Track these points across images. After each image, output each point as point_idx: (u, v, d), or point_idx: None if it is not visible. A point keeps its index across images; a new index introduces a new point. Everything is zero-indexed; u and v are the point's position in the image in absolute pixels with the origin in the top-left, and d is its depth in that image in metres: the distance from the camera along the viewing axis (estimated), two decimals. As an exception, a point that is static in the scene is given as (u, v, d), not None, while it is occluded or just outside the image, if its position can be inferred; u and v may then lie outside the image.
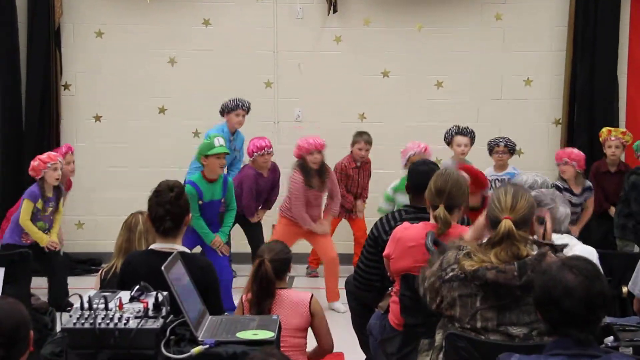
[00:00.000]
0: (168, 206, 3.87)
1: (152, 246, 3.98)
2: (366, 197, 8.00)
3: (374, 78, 8.59)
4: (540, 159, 8.24)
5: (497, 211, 3.27)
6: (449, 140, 7.60)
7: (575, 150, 7.24)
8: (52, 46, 8.39)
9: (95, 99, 8.62)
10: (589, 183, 7.27)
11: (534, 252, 3.23)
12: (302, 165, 6.95)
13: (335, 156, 8.12)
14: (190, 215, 4.02)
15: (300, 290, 4.81)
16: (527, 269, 3.15)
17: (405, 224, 4.30)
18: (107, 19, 8.53)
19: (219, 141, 6.36)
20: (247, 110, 7.73)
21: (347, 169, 7.85)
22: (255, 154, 7.17)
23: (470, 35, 8.53)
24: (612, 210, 7.49)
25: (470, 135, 7.53)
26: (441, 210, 4.06)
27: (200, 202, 6.35)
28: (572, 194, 7.11)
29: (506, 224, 3.21)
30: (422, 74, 8.57)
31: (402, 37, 8.55)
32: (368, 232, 4.84)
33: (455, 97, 8.58)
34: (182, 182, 4.90)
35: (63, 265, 6.92)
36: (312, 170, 6.93)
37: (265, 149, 7.16)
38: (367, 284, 4.75)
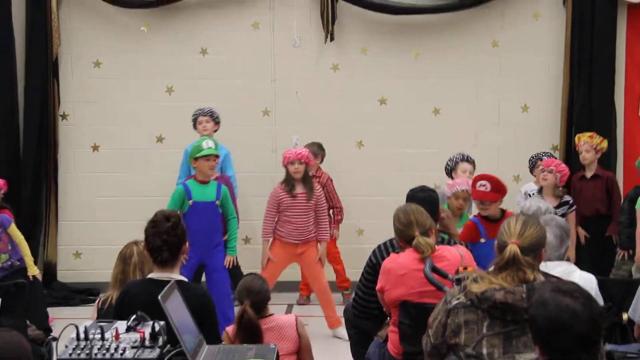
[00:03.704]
0: (165, 236, 3.88)
1: (150, 275, 3.99)
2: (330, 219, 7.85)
3: (371, 105, 8.61)
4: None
5: (505, 236, 3.32)
6: (452, 168, 7.33)
7: (564, 165, 7.19)
8: (50, 76, 8.41)
9: (93, 129, 8.63)
10: (568, 198, 7.12)
11: (540, 278, 3.24)
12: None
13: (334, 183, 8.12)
14: (187, 244, 4.01)
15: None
16: (536, 292, 3.14)
17: (392, 255, 4.39)
18: (104, 49, 8.56)
19: (208, 144, 6.51)
20: (209, 114, 7.82)
21: None
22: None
23: (466, 62, 8.56)
24: (581, 233, 7.49)
25: (473, 163, 7.33)
26: (419, 239, 4.22)
27: (191, 201, 6.41)
28: None
29: (512, 248, 3.23)
30: (419, 101, 8.59)
31: (399, 65, 8.58)
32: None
33: (453, 123, 8.59)
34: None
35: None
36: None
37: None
38: (366, 312, 4.74)
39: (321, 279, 7.09)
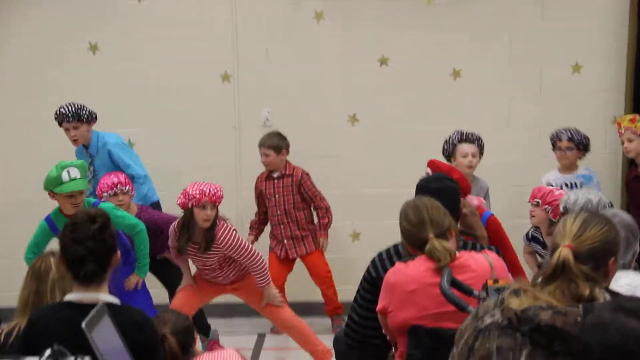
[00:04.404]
0: (90, 243, 3.87)
1: (67, 297, 3.99)
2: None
3: (368, 67, 8.63)
4: (596, 171, 8.24)
5: (559, 237, 3.31)
6: (450, 152, 7.45)
7: (558, 192, 6.81)
8: None
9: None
10: None
11: (606, 298, 3.21)
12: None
13: (316, 171, 8.15)
14: (119, 253, 4.03)
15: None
16: (595, 313, 3.14)
17: (398, 265, 4.40)
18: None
19: (70, 173, 6.25)
20: (76, 117, 7.70)
21: (257, 182, 8.19)
22: (104, 194, 7.09)
23: (497, 8, 8.59)
24: None
25: (478, 142, 7.45)
26: (435, 242, 4.25)
27: None
28: (544, 247, 6.88)
29: (562, 252, 3.21)
30: (433, 61, 8.62)
31: (406, 12, 8.59)
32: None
33: (479, 91, 8.64)
34: None
35: None
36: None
37: (119, 186, 7.13)
38: (363, 341, 4.76)
39: (279, 313, 7.05)
